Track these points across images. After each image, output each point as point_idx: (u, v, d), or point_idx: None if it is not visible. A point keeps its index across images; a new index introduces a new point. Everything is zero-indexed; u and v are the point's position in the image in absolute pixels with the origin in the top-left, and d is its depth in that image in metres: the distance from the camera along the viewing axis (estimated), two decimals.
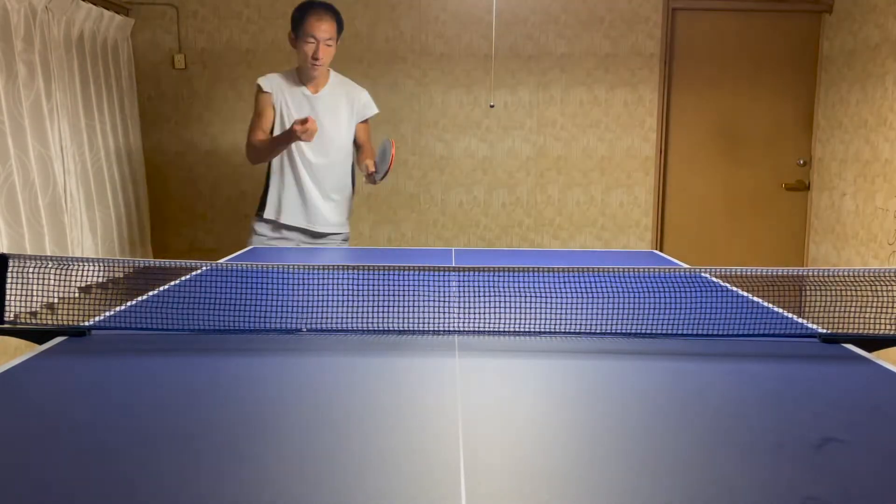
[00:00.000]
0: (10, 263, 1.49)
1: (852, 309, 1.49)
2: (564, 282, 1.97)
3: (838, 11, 4.02)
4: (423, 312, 1.64)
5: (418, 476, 0.86)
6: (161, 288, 1.92)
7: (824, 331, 1.51)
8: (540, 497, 0.81)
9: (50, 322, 1.51)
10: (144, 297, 1.82)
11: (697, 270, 1.48)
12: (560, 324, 1.58)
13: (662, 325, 1.57)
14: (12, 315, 1.50)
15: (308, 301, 1.76)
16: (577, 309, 1.71)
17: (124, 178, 3.80)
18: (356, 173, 3.06)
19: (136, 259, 1.75)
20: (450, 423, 1.02)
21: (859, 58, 3.81)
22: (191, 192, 4.18)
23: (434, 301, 1.77)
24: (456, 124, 4.17)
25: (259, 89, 2.82)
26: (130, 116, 3.89)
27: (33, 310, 1.52)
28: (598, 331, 1.52)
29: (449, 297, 1.83)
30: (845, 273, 1.47)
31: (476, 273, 1.73)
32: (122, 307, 1.72)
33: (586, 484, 0.84)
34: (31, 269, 1.51)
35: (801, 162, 4.29)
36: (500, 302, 1.77)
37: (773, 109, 4.25)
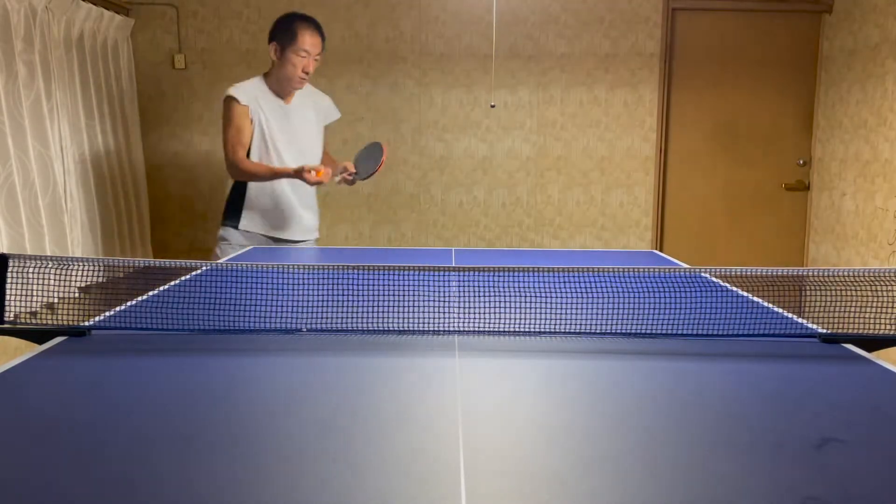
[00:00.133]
0: (10, 263, 1.49)
1: (852, 309, 1.49)
2: (564, 282, 1.97)
3: (838, 11, 4.02)
4: (423, 312, 1.64)
5: (418, 476, 0.86)
6: (161, 288, 1.92)
7: (824, 331, 1.51)
8: (540, 497, 0.81)
9: (50, 322, 1.51)
10: (144, 297, 1.82)
11: (697, 270, 1.48)
12: (560, 324, 1.58)
13: (662, 325, 1.57)
14: (12, 315, 1.50)
15: (308, 301, 1.76)
16: (577, 309, 1.71)
17: (124, 178, 3.80)
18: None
19: (136, 259, 1.75)
20: (450, 424, 1.02)
21: (859, 58, 3.81)
22: (191, 192, 4.18)
23: (434, 301, 1.77)
24: (456, 124, 4.17)
25: (234, 101, 2.67)
26: (130, 116, 3.89)
27: (33, 310, 1.52)
28: (598, 331, 1.52)
29: (449, 297, 1.83)
30: (845, 273, 1.47)
31: (476, 273, 1.73)
32: (122, 307, 1.72)
33: (586, 484, 0.84)
34: (31, 269, 1.51)
35: (801, 162, 4.29)
36: (500, 302, 1.77)
37: (773, 109, 4.25)
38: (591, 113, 4.19)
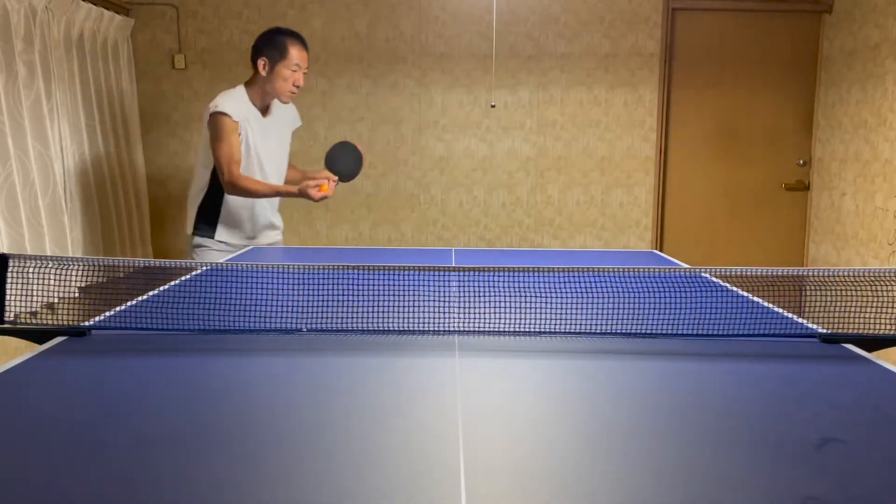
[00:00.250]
0: (10, 263, 1.49)
1: (852, 309, 1.49)
2: (564, 282, 1.98)
3: (838, 11, 4.02)
4: (423, 312, 1.64)
5: (418, 476, 0.86)
6: (161, 288, 1.92)
7: (824, 331, 1.51)
8: (540, 497, 0.81)
9: (50, 322, 1.51)
10: (144, 297, 1.82)
11: (697, 270, 1.48)
12: (560, 324, 1.58)
13: (662, 325, 1.57)
14: (12, 315, 1.50)
15: (308, 301, 1.76)
16: (577, 309, 1.71)
17: (124, 177, 3.80)
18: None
19: (136, 259, 1.75)
20: (450, 423, 1.02)
21: (859, 58, 3.81)
22: None
23: (434, 301, 1.77)
24: (456, 124, 4.17)
25: (226, 117, 2.64)
26: (130, 116, 3.89)
27: (33, 310, 1.52)
28: (597, 331, 1.52)
29: (449, 297, 1.83)
30: (845, 273, 1.47)
31: (476, 273, 1.73)
32: (122, 307, 1.72)
33: (586, 484, 0.84)
34: (31, 269, 1.51)
35: (801, 162, 4.29)
36: (500, 302, 1.77)
37: (773, 109, 4.25)
38: (591, 113, 4.19)
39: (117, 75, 3.76)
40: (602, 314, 1.66)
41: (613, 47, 4.11)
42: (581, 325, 1.57)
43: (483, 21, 4.06)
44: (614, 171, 4.25)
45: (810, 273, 1.50)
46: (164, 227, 4.20)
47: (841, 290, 1.49)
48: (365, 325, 1.56)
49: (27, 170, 2.93)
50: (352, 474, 0.86)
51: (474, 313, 1.66)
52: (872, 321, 1.48)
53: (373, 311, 1.66)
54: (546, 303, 1.77)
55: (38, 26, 3.01)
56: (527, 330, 1.52)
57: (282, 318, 1.60)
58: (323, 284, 1.90)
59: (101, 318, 1.61)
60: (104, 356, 1.33)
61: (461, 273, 1.78)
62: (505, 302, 1.77)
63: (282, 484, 0.84)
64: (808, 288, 1.54)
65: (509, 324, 1.57)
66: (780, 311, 1.72)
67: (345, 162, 2.81)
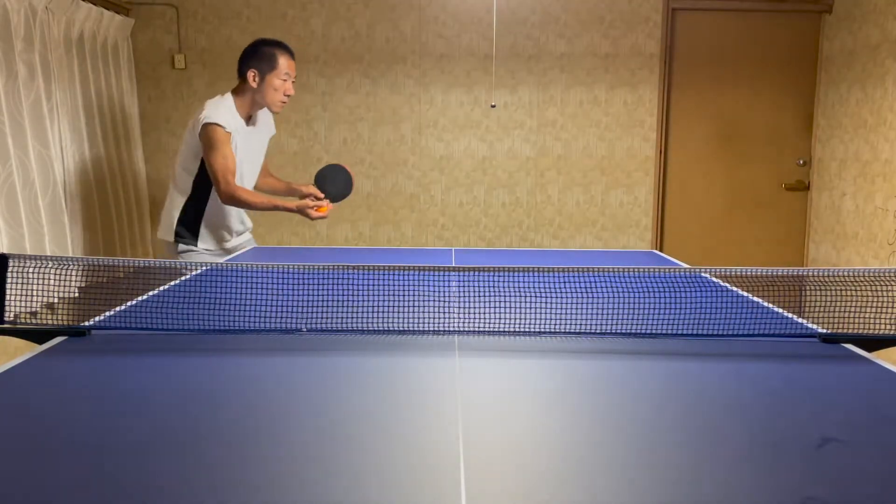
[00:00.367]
0: (10, 263, 1.49)
1: (852, 309, 1.49)
2: (564, 282, 1.98)
3: (838, 11, 4.02)
4: (424, 312, 1.65)
5: (418, 476, 0.86)
6: (161, 288, 1.92)
7: (824, 331, 1.51)
8: (540, 497, 0.81)
9: (50, 322, 1.51)
10: (144, 297, 1.82)
11: (697, 270, 1.48)
12: (560, 324, 1.58)
13: (662, 325, 1.57)
14: (12, 315, 1.50)
15: (308, 301, 1.76)
16: (576, 309, 1.71)
17: (124, 178, 3.80)
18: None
19: (136, 259, 1.75)
20: (450, 423, 1.02)
21: (859, 58, 3.81)
22: None
23: (434, 301, 1.77)
24: (456, 124, 4.17)
25: (219, 127, 2.61)
26: (130, 116, 3.89)
27: (33, 310, 1.52)
28: (598, 331, 1.52)
29: (449, 297, 1.83)
30: (845, 273, 1.47)
31: (476, 273, 1.73)
32: (122, 307, 1.72)
33: (586, 484, 0.84)
34: (31, 269, 1.51)
35: (801, 162, 4.29)
36: (499, 302, 1.77)
37: (773, 109, 4.25)
38: (591, 113, 4.19)
39: (117, 75, 3.76)
40: (602, 314, 1.66)
41: (613, 47, 4.11)
42: (581, 325, 1.57)
43: (483, 21, 4.06)
44: (614, 171, 4.25)
45: (810, 273, 1.50)
46: None
47: (841, 290, 1.49)
48: (365, 325, 1.56)
49: (27, 170, 2.93)
50: (352, 474, 0.86)
51: (474, 313, 1.66)
52: (872, 321, 1.48)
53: (373, 312, 1.66)
54: (546, 303, 1.77)
55: (38, 26, 3.01)
56: (527, 330, 1.52)
57: (282, 318, 1.60)
58: (323, 284, 1.90)
59: (101, 318, 1.61)
60: (104, 356, 1.33)
61: (461, 273, 1.78)
62: (505, 302, 1.77)
63: (281, 483, 0.84)
64: (808, 288, 1.54)
65: (509, 324, 1.57)
66: (780, 311, 1.72)
67: (336, 184, 2.83)
